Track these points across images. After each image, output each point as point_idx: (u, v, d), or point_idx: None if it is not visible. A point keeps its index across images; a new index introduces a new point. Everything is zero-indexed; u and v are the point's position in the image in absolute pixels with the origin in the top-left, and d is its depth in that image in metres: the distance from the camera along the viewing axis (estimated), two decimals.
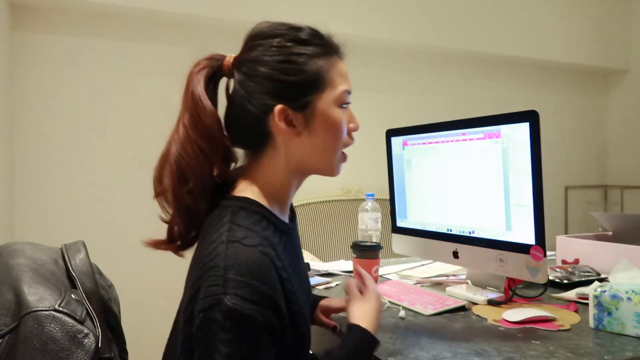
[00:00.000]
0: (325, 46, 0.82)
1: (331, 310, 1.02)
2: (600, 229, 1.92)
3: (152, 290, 2.45)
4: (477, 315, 1.04)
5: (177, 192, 0.78)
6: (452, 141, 1.20)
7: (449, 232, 1.23)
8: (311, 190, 2.91)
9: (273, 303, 0.68)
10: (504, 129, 1.07)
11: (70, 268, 0.91)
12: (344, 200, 2.91)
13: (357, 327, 0.81)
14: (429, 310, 1.06)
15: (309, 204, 2.81)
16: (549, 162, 3.72)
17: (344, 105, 0.83)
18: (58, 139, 2.39)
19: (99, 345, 0.78)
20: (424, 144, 1.28)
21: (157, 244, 0.83)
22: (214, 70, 0.81)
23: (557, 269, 1.35)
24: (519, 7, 3.40)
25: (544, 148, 0.99)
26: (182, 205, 0.78)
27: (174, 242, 0.83)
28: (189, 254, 0.82)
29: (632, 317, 0.89)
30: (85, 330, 0.77)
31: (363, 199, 1.59)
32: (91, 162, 2.44)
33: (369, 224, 1.50)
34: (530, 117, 1.01)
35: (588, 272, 1.33)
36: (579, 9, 3.66)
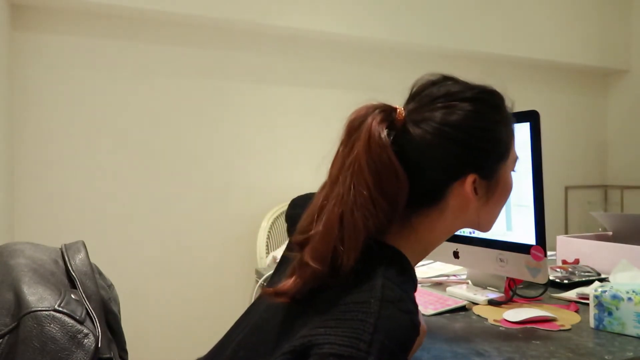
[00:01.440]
0: (509, 113, 0.77)
1: None
2: (600, 229, 1.92)
3: (152, 290, 2.45)
4: (478, 316, 1.04)
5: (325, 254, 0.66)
6: None
7: None
8: (311, 191, 2.91)
9: None
10: None
11: (70, 268, 0.91)
12: None
13: None
14: (430, 310, 1.06)
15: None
16: (549, 162, 3.73)
17: (514, 170, 0.79)
18: (58, 138, 2.39)
19: (99, 345, 0.78)
20: None
21: (278, 294, 0.69)
22: (389, 124, 0.71)
23: (558, 269, 1.35)
24: (519, 7, 3.40)
25: (544, 148, 0.99)
26: (330, 261, 0.66)
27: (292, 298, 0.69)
28: None
29: (632, 317, 0.89)
30: (85, 330, 0.77)
31: None
32: (91, 162, 2.44)
33: None
34: (531, 117, 1.01)
35: (588, 272, 1.33)
36: (579, 9, 3.66)
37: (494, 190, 0.75)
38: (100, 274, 1.03)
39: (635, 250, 1.29)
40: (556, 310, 1.06)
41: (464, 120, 0.70)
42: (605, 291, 0.93)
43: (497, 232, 1.10)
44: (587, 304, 0.99)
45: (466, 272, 1.29)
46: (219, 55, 2.61)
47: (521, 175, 1.03)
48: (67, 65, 2.40)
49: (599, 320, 0.93)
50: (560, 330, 0.94)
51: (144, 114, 2.49)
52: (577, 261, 1.45)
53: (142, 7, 2.37)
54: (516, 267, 1.05)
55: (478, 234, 1.15)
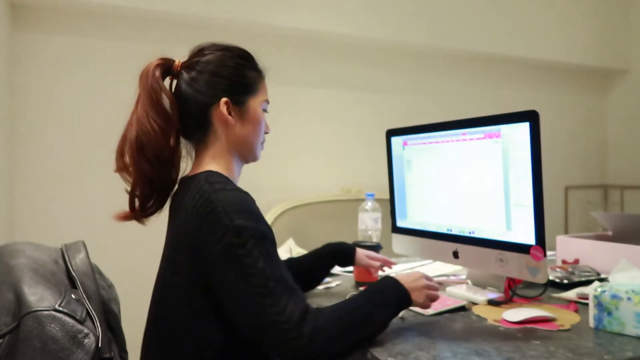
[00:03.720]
0: (256, 64, 1.05)
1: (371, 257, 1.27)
2: (600, 229, 1.92)
3: (151, 290, 2.45)
4: (477, 316, 1.04)
5: (137, 162, 0.94)
6: (452, 141, 1.20)
7: (449, 232, 1.23)
8: (311, 190, 2.91)
9: (266, 224, 0.88)
10: (504, 129, 1.07)
11: (70, 268, 0.91)
12: (344, 200, 2.91)
13: (390, 277, 0.96)
14: (430, 310, 1.05)
15: (309, 204, 2.81)
16: (549, 162, 3.72)
17: (266, 110, 1.06)
18: (58, 139, 2.39)
19: (99, 345, 0.78)
20: (424, 144, 1.28)
21: (122, 217, 1.00)
22: (166, 68, 0.99)
23: (557, 269, 1.35)
24: (519, 7, 3.40)
25: (544, 148, 0.99)
26: (142, 174, 0.94)
27: (134, 212, 0.98)
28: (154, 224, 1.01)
29: (632, 317, 0.89)
30: (86, 330, 0.77)
31: (363, 199, 1.59)
32: (91, 162, 2.44)
33: (369, 224, 1.51)
34: (530, 117, 1.01)
35: (588, 272, 1.33)
36: (578, 9, 3.66)
37: (245, 115, 1.00)
38: (101, 274, 1.03)
39: (635, 250, 1.29)
40: (556, 310, 1.06)
41: (218, 59, 0.99)
42: (604, 291, 0.93)
43: (497, 232, 1.10)
44: (587, 304, 0.99)
45: (466, 272, 1.30)
46: None
47: (521, 175, 1.03)
48: (67, 65, 2.40)
49: (598, 320, 0.93)
50: (560, 330, 0.94)
51: None
52: (576, 261, 1.45)
53: (142, 7, 2.37)
54: (516, 267, 1.06)
55: (478, 233, 1.15)
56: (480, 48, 3.25)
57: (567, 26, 3.59)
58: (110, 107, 2.49)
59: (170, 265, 0.93)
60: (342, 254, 1.25)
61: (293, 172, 2.84)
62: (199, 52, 1.02)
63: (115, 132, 2.67)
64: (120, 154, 0.98)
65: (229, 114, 0.98)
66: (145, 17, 2.51)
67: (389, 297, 0.90)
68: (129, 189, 0.98)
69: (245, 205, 0.86)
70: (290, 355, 0.79)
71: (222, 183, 0.90)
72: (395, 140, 1.38)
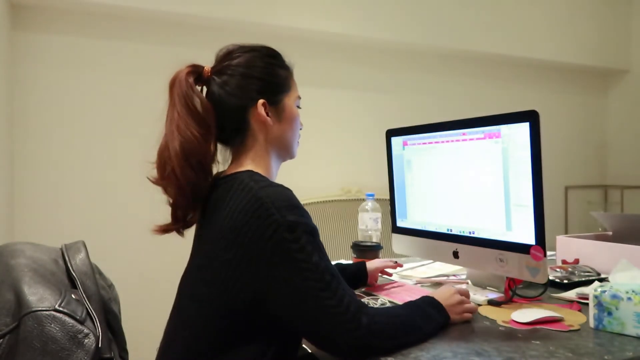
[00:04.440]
0: (284, 61, 1.05)
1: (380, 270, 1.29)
2: (600, 229, 1.92)
3: (152, 290, 2.45)
4: (486, 317, 1.03)
5: (183, 170, 0.91)
6: (452, 141, 1.20)
7: (449, 232, 1.23)
8: (311, 190, 2.91)
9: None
10: (504, 129, 1.07)
11: (70, 268, 0.91)
12: (344, 200, 2.91)
13: (428, 296, 0.98)
14: None
15: (309, 204, 2.81)
16: (549, 162, 3.73)
17: (299, 106, 1.06)
18: (58, 138, 2.39)
19: (99, 345, 0.78)
20: (424, 144, 1.28)
21: (163, 230, 0.95)
22: (197, 75, 0.98)
23: (557, 269, 1.35)
24: (519, 7, 3.40)
25: (544, 148, 0.99)
26: (188, 182, 0.91)
27: (178, 224, 0.95)
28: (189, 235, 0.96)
29: (632, 317, 0.89)
30: (86, 330, 0.77)
31: (363, 199, 1.59)
32: (91, 161, 2.44)
33: (369, 224, 1.51)
34: (530, 117, 1.01)
35: (588, 272, 1.33)
36: (579, 9, 3.66)
37: (282, 114, 1.01)
38: (101, 273, 1.03)
39: (635, 250, 1.29)
40: (560, 310, 1.06)
41: (247, 61, 0.98)
42: (605, 291, 0.93)
43: (497, 232, 1.10)
44: (587, 304, 0.99)
45: (466, 272, 1.30)
46: None
47: (521, 175, 1.03)
48: (66, 65, 2.40)
49: (598, 320, 0.93)
50: (571, 330, 0.93)
51: (144, 113, 2.49)
52: (576, 261, 1.45)
53: (142, 7, 2.37)
54: (516, 267, 1.05)
55: (478, 233, 1.15)
56: (480, 48, 3.25)
57: (567, 26, 3.59)
58: (110, 107, 2.49)
59: (210, 262, 0.89)
60: (359, 274, 1.25)
61: (293, 172, 2.83)
62: (227, 55, 1.00)
63: (115, 131, 2.68)
64: (161, 165, 0.93)
65: (267, 114, 0.98)
66: (145, 17, 2.51)
67: (432, 314, 0.94)
68: (168, 200, 0.94)
69: (293, 200, 0.86)
70: (347, 345, 0.81)
71: (267, 181, 0.90)
72: (395, 140, 1.38)
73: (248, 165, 0.97)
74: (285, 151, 1.04)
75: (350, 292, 0.83)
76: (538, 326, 0.96)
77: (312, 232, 0.84)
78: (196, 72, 0.98)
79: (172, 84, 0.96)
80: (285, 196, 0.85)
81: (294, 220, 0.82)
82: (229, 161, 1.01)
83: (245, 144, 0.99)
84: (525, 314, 0.99)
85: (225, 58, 1.00)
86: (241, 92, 0.96)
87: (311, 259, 0.81)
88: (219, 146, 1.01)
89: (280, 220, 0.82)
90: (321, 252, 0.84)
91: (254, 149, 0.99)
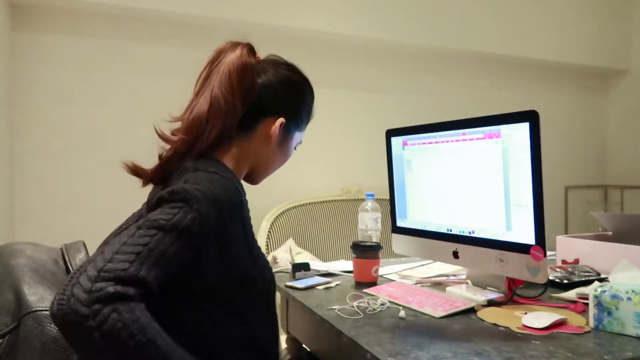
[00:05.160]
0: (313, 107, 1.07)
1: None
2: (600, 229, 1.92)
3: None
4: (495, 324, 1.01)
5: (209, 127, 0.90)
6: (452, 141, 1.20)
7: (449, 232, 1.23)
8: (311, 190, 2.91)
9: (221, 210, 0.79)
10: (504, 129, 1.07)
11: (70, 268, 0.91)
12: (344, 200, 2.91)
13: None
14: (440, 312, 1.04)
15: (309, 204, 2.81)
16: (549, 162, 3.73)
17: (295, 149, 1.07)
18: (58, 138, 2.39)
19: None
20: (424, 144, 1.28)
21: (134, 171, 0.93)
22: (249, 55, 0.96)
23: (557, 269, 1.35)
24: (519, 6, 3.40)
25: (544, 148, 0.99)
26: (187, 147, 0.90)
27: (147, 176, 0.93)
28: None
29: (632, 317, 0.89)
30: None
31: (363, 199, 1.59)
32: (91, 162, 2.44)
33: (369, 224, 1.51)
34: (530, 117, 1.01)
35: (588, 272, 1.33)
36: (579, 9, 3.66)
37: (284, 144, 1.02)
38: None
39: (635, 250, 1.29)
40: (563, 310, 1.06)
41: (297, 81, 1.01)
42: (604, 291, 0.93)
43: (497, 232, 1.10)
44: (587, 304, 0.99)
45: (466, 272, 1.30)
46: None
47: (521, 175, 1.03)
48: (66, 65, 2.40)
49: (598, 320, 0.93)
50: (585, 332, 0.91)
51: (144, 113, 2.49)
52: (576, 261, 1.45)
53: (142, 7, 2.37)
54: (516, 267, 1.05)
55: (478, 233, 1.15)
56: (480, 48, 3.25)
57: (567, 26, 3.59)
58: (110, 107, 2.49)
59: None
60: None
61: (293, 172, 2.84)
62: (279, 62, 1.01)
63: (115, 131, 2.68)
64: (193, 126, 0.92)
65: (273, 135, 0.98)
66: (144, 17, 2.51)
67: None
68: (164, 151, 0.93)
69: (215, 184, 0.81)
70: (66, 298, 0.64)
71: (212, 167, 0.87)
72: (395, 141, 1.38)
73: (229, 161, 0.95)
74: (257, 173, 1.03)
75: (136, 278, 0.68)
76: (555, 330, 0.93)
77: (192, 202, 0.76)
78: (252, 52, 0.98)
79: (223, 52, 0.95)
80: (208, 179, 0.82)
81: (184, 188, 0.78)
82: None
83: (237, 139, 0.96)
84: (538, 319, 0.97)
85: (277, 63, 1.01)
86: (273, 97, 0.97)
87: (157, 220, 0.74)
88: None
89: (179, 187, 0.79)
90: (176, 215, 0.75)
91: (239, 149, 0.96)
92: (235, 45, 0.96)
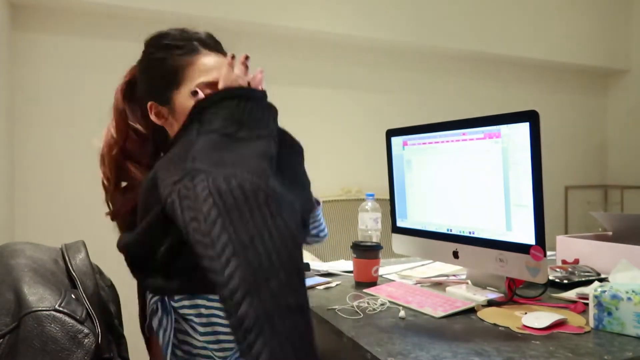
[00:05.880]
0: (184, 47, 0.92)
1: None
2: (600, 229, 1.92)
3: None
4: (496, 324, 1.00)
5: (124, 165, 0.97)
6: (452, 141, 1.20)
7: (449, 232, 1.23)
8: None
9: None
10: (504, 129, 1.07)
11: (70, 268, 0.91)
12: (344, 200, 2.91)
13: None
14: (440, 313, 1.04)
15: None
16: (549, 162, 3.73)
17: (196, 92, 0.90)
18: (58, 138, 2.39)
19: (99, 345, 0.78)
20: (424, 144, 1.28)
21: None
22: (129, 81, 1.01)
23: (557, 269, 1.35)
24: (519, 7, 3.40)
25: (544, 148, 0.99)
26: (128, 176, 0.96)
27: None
28: None
29: (632, 317, 0.89)
30: (86, 330, 0.77)
31: (363, 199, 1.59)
32: (91, 161, 2.44)
33: (369, 224, 1.50)
34: (530, 117, 1.01)
35: (588, 272, 1.33)
36: (579, 9, 3.66)
37: (174, 113, 0.93)
38: (101, 273, 1.03)
39: (635, 250, 1.29)
40: (563, 310, 1.05)
41: (141, 63, 0.98)
42: (604, 291, 0.93)
43: (497, 232, 1.10)
44: (587, 304, 0.99)
45: (466, 272, 1.30)
46: None
47: (521, 176, 1.03)
48: (66, 65, 2.40)
49: (598, 320, 0.93)
50: (585, 332, 0.91)
51: None
52: (576, 261, 1.45)
53: (142, 7, 2.37)
54: (516, 267, 1.05)
55: (478, 233, 1.15)
56: (481, 48, 3.25)
57: (567, 26, 3.59)
58: (110, 107, 2.48)
59: None
60: None
61: None
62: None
63: None
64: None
65: (160, 116, 0.95)
66: (144, 17, 2.51)
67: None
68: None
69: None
70: None
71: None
72: (395, 140, 1.38)
73: None
74: None
75: None
76: (555, 330, 0.93)
77: None
78: (128, 82, 1.02)
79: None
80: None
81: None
82: None
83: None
84: (538, 319, 0.96)
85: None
86: (139, 96, 0.99)
87: None
88: None
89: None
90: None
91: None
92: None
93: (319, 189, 2.98)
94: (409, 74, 3.24)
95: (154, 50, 0.94)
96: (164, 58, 0.92)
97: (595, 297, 0.94)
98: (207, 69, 0.91)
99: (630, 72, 3.90)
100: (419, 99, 3.27)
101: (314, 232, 1.15)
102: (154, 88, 0.94)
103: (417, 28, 3.04)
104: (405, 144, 1.34)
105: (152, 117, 0.95)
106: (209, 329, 0.89)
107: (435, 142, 1.24)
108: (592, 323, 0.94)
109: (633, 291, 0.90)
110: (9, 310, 0.77)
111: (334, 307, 1.10)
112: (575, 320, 1.00)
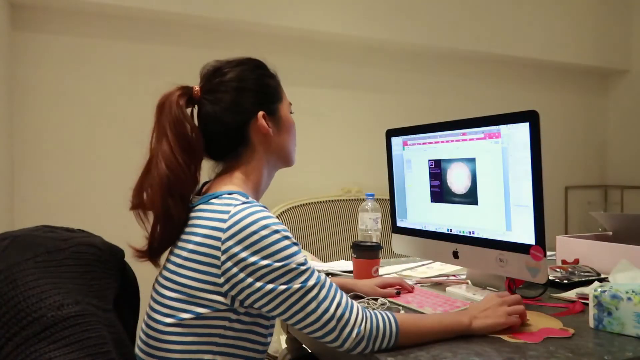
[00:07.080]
0: (270, 70, 1.04)
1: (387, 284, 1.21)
2: (600, 229, 1.92)
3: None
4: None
5: (163, 199, 0.88)
6: (452, 141, 1.20)
7: (449, 232, 1.23)
8: (311, 190, 2.91)
9: None
10: (504, 129, 1.07)
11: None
12: (344, 200, 2.91)
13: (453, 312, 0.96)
14: (439, 312, 1.04)
15: (309, 204, 2.81)
16: (549, 162, 3.73)
17: (292, 112, 1.07)
18: (58, 138, 2.39)
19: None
20: (424, 144, 1.28)
21: (139, 256, 0.95)
22: (188, 97, 0.96)
23: (557, 269, 1.35)
24: (519, 7, 3.40)
25: (544, 148, 0.99)
26: (167, 211, 0.89)
27: (154, 256, 0.95)
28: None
29: (632, 317, 0.89)
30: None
31: (363, 199, 1.59)
32: (91, 161, 2.44)
33: (369, 224, 1.50)
34: (530, 117, 1.01)
35: (588, 272, 1.33)
36: (579, 9, 3.66)
37: (280, 123, 1.02)
38: None
39: (635, 250, 1.29)
40: (555, 319, 1.05)
41: (239, 75, 0.98)
42: (604, 291, 0.93)
43: (497, 232, 1.10)
44: (587, 304, 0.99)
45: (466, 272, 1.30)
46: (219, 55, 2.60)
47: (521, 176, 1.03)
48: (66, 64, 2.40)
49: (598, 320, 0.93)
50: (573, 335, 0.90)
51: (144, 113, 2.49)
52: (576, 261, 1.45)
53: (142, 7, 2.37)
54: (516, 267, 1.05)
55: (478, 233, 1.15)
56: (481, 48, 3.25)
57: (567, 26, 3.59)
58: (109, 107, 2.49)
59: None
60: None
61: (293, 172, 2.83)
62: (216, 72, 0.99)
63: (114, 131, 2.67)
64: (139, 191, 0.92)
65: (267, 125, 0.98)
66: (145, 17, 2.51)
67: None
68: (146, 227, 0.93)
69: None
70: None
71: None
72: (395, 140, 1.38)
73: (237, 179, 0.96)
74: (284, 160, 1.05)
75: None
76: (546, 336, 0.91)
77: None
78: (187, 94, 0.95)
79: (162, 108, 0.92)
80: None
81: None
82: (216, 171, 1.01)
83: (240, 158, 0.98)
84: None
85: (215, 75, 0.98)
86: (238, 107, 0.96)
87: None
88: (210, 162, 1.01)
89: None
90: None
91: (249, 163, 0.98)
92: (167, 96, 0.93)
93: (319, 189, 2.99)
94: (409, 74, 3.24)
95: (265, 71, 1.03)
96: (266, 75, 1.02)
97: (595, 297, 0.94)
98: (284, 92, 1.07)
99: (630, 72, 3.90)
100: (418, 99, 3.27)
101: None
102: (263, 100, 0.99)
103: (417, 28, 3.04)
104: (405, 144, 1.34)
105: (262, 125, 0.97)
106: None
107: (435, 142, 1.24)
108: (592, 323, 0.94)
109: (633, 291, 0.90)
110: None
111: None
112: (556, 324, 0.97)
